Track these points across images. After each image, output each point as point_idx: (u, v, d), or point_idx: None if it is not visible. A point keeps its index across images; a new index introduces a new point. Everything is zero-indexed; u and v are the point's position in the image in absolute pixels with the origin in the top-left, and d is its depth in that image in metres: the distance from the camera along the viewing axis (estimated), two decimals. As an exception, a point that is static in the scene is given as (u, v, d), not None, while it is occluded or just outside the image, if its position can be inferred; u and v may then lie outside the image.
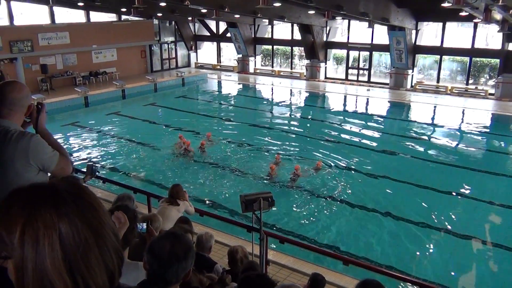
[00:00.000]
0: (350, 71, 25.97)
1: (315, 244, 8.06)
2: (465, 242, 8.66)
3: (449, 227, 9.20)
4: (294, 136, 15.99)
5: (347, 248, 8.36)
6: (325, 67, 26.37)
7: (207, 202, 10.38)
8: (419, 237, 8.85)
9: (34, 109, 2.59)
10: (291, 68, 28.47)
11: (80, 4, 22.32)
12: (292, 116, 19.96)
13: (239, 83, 26.65)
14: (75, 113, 18.99)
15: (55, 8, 24.08)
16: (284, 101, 22.85)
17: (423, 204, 10.23)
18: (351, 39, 25.31)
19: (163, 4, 19.76)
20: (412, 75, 23.45)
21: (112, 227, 1.04)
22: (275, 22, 26.21)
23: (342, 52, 26.34)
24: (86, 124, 17.39)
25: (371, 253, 8.20)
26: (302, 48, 26.86)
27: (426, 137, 15.88)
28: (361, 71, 25.64)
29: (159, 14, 26.30)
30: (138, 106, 20.91)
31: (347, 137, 15.73)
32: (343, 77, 26.11)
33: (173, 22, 30.01)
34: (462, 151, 14.49)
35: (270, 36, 28.77)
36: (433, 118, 19.33)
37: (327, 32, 25.83)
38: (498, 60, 21.14)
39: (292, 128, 17.41)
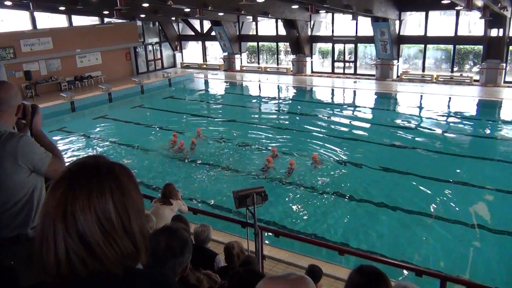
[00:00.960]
0: (336, 64, 26.08)
1: (310, 237, 8.07)
2: (456, 227, 8.75)
3: (440, 213, 9.29)
4: (283, 131, 16.00)
5: (341, 239, 8.40)
6: (311, 61, 26.43)
7: (200, 200, 10.35)
8: (411, 225, 8.93)
9: (29, 110, 2.56)
10: (278, 64, 28.48)
11: (62, 8, 22.05)
12: (281, 112, 19.98)
13: (226, 81, 26.61)
14: (61, 118, 18.78)
15: (37, 14, 23.80)
16: (272, 97, 22.87)
17: (413, 191, 10.32)
18: (335, 32, 25.40)
19: (146, 4, 19.63)
20: (398, 65, 23.61)
21: (139, 208, 1.17)
22: (259, 18, 26.19)
23: (328, 46, 26.42)
24: (74, 129, 17.21)
25: (365, 243, 8.25)
26: (288, 44, 26.89)
27: (413, 126, 16.00)
28: (347, 64, 25.75)
29: (142, 16, 26.11)
30: (126, 109, 20.76)
31: (336, 129, 15.80)
32: (330, 70, 26.21)
33: (157, 23, 29.83)
34: (450, 138, 14.62)
35: (255, 33, 28.76)
36: (420, 107, 19.49)
37: (312, 26, 25.88)
38: (481, 47, 21.37)
39: (282, 123, 17.43)
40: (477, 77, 21.55)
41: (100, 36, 25.38)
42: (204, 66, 30.74)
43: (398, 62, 23.53)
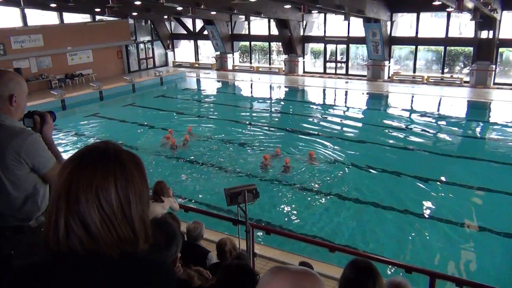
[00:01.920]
0: (328, 64, 26.17)
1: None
2: (446, 226, 8.83)
3: (428, 212, 9.38)
4: (275, 130, 16.02)
5: (334, 238, 8.43)
6: (303, 61, 26.49)
7: (191, 198, 10.33)
8: (403, 225, 8.99)
9: (38, 120, 2.55)
10: (270, 64, 28.49)
11: (53, 5, 21.88)
12: (273, 111, 20.00)
13: (218, 81, 26.57)
14: (52, 116, 18.60)
15: (27, 11, 23.58)
16: (264, 97, 22.88)
17: (403, 190, 10.41)
18: (327, 33, 25.48)
19: (138, 2, 19.54)
20: (389, 66, 23.76)
21: (142, 196, 1.20)
22: (251, 18, 26.19)
23: (320, 46, 26.49)
24: (64, 128, 17.07)
25: (356, 242, 8.30)
26: (280, 43, 26.92)
27: (404, 126, 16.11)
28: (339, 64, 25.84)
29: (134, 14, 25.99)
30: (117, 107, 20.65)
31: (328, 129, 15.85)
32: (321, 70, 26.29)
33: (149, 21, 29.69)
34: (440, 138, 14.75)
35: (247, 32, 28.75)
36: (411, 107, 19.62)
37: (304, 26, 25.94)
38: (471, 48, 21.56)
39: (273, 122, 17.45)
40: (467, 79, 21.76)
41: (92, 34, 25.19)
42: (196, 65, 30.66)
43: (389, 63, 23.67)
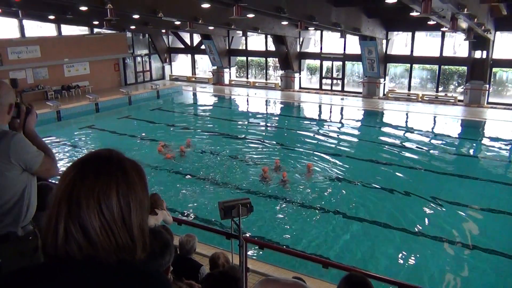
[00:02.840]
0: (324, 80, 26.37)
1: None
2: (438, 244, 8.82)
3: (421, 229, 9.37)
4: (271, 145, 16.04)
5: (327, 254, 8.39)
6: (299, 77, 26.68)
7: (185, 212, 10.27)
8: (396, 242, 8.97)
9: (23, 111, 2.56)
10: (266, 79, 28.69)
11: (51, 17, 21.98)
12: (268, 126, 20.05)
13: (214, 95, 26.66)
14: (46, 127, 18.52)
15: (25, 22, 23.68)
16: (260, 112, 22.96)
17: (396, 207, 10.42)
18: (324, 50, 25.75)
19: (136, 16, 19.66)
20: (384, 83, 23.97)
21: (142, 204, 1.20)
22: (249, 33, 26.41)
23: (316, 62, 26.74)
24: (59, 139, 17.03)
25: (349, 258, 8.26)
26: (277, 59, 27.14)
27: (398, 143, 16.18)
28: (334, 81, 26.05)
29: (133, 27, 26.16)
30: (113, 120, 20.62)
31: (323, 145, 15.89)
32: (317, 86, 26.48)
33: (147, 35, 29.89)
34: (434, 156, 14.81)
35: (244, 47, 28.99)
36: (405, 125, 19.75)
37: (301, 42, 26.20)
38: (465, 68, 21.84)
39: (269, 137, 17.46)
40: (461, 97, 21.99)
41: (89, 46, 25.31)
42: (193, 79, 30.80)
43: (384, 80, 23.89)
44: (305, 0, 15.22)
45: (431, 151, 15.27)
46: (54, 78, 24.02)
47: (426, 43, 24.12)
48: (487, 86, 21.00)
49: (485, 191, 11.61)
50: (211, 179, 12.43)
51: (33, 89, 22.96)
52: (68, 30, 26.04)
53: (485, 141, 17.02)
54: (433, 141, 16.60)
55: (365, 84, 24.04)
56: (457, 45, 23.75)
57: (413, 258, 8.37)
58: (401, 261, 8.30)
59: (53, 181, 3.81)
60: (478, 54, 20.73)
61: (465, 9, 11.65)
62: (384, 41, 23.08)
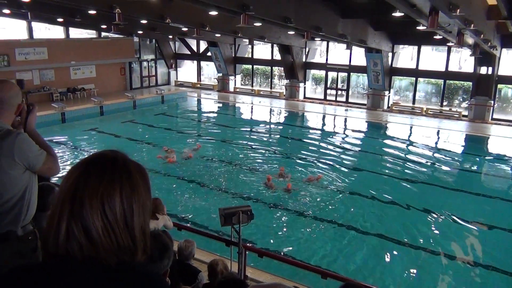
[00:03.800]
0: (328, 91, 26.41)
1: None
2: (438, 258, 8.76)
3: (423, 243, 9.31)
4: (274, 153, 16.03)
5: (326, 265, 8.34)
6: (304, 87, 26.73)
7: (185, 217, 10.25)
8: (396, 255, 8.92)
9: (24, 109, 2.59)
10: (271, 88, 28.75)
11: (60, 20, 22.18)
12: (272, 135, 20.05)
13: (219, 102, 26.73)
14: (51, 129, 18.60)
15: (34, 24, 23.90)
16: (264, 120, 22.98)
17: (398, 220, 10.37)
18: (329, 60, 25.83)
19: (144, 21, 19.81)
20: (389, 96, 23.98)
21: (145, 207, 1.21)
22: (255, 42, 26.54)
23: (321, 73, 26.80)
24: (63, 141, 17.09)
25: (348, 270, 8.21)
26: (282, 68, 27.23)
27: (402, 156, 16.13)
28: (339, 92, 26.08)
29: (140, 32, 26.33)
30: (117, 123, 20.68)
31: (326, 155, 15.86)
32: (322, 97, 26.52)
33: (154, 40, 30.07)
34: (437, 170, 14.76)
35: (250, 55, 29.11)
36: (409, 138, 19.71)
37: (306, 53, 26.29)
38: (470, 83, 21.83)
39: (272, 146, 17.45)
40: (465, 113, 21.95)
41: (96, 49, 25.49)
42: (198, 85, 30.90)
43: (389, 93, 23.90)
44: (312, 10, 15.28)
45: (434, 165, 15.21)
46: (60, 80, 24.16)
47: (432, 57, 24.18)
48: (492, 102, 20.98)
49: (486, 207, 11.54)
50: (213, 186, 12.42)
51: (39, 90, 23.08)
52: (76, 33, 26.25)
53: (489, 157, 16.94)
54: (436, 155, 16.55)
55: (370, 96, 24.05)
56: (462, 60, 23.80)
57: (416, 272, 8.31)
58: (400, 274, 8.24)
59: (55, 182, 3.82)
60: (483, 70, 20.74)
61: (472, 25, 11.68)
62: (390, 54, 23.13)
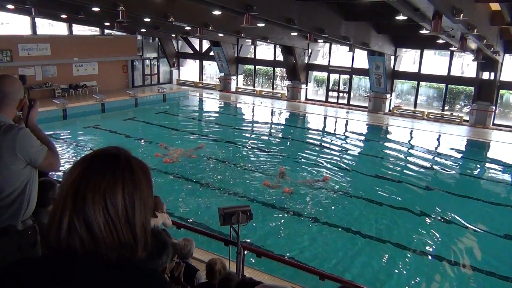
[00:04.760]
0: (330, 93, 26.41)
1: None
2: (437, 263, 8.76)
3: (423, 248, 9.31)
4: (274, 153, 16.03)
5: (324, 267, 8.34)
6: (306, 89, 26.73)
7: (184, 216, 10.25)
8: (395, 258, 8.92)
9: (26, 104, 2.60)
10: (273, 89, 28.76)
11: (64, 16, 22.19)
12: (273, 135, 20.05)
13: (220, 101, 26.74)
14: (52, 125, 18.62)
15: (37, 20, 23.91)
16: (265, 121, 22.98)
17: (396, 224, 10.37)
18: (332, 62, 25.83)
19: (147, 19, 19.82)
20: (390, 99, 23.97)
21: (147, 203, 1.22)
22: (258, 42, 26.56)
23: (323, 75, 26.81)
24: (63, 137, 17.13)
25: (346, 272, 8.21)
26: (284, 69, 27.23)
27: (402, 160, 16.12)
28: (341, 94, 26.08)
29: (143, 30, 26.35)
30: (118, 120, 20.70)
31: (326, 157, 15.86)
32: (323, 99, 26.51)
33: (157, 39, 30.09)
34: (437, 175, 14.75)
35: (252, 56, 29.11)
36: (410, 142, 19.70)
37: (309, 54, 26.29)
38: (472, 88, 21.82)
39: (273, 146, 17.45)
40: (467, 117, 21.95)
41: (99, 47, 25.51)
42: (200, 84, 30.92)
43: (391, 96, 23.90)
44: (316, 12, 15.29)
45: (434, 169, 15.21)
46: (63, 77, 24.18)
47: (434, 62, 24.16)
48: (494, 107, 20.97)
49: (485, 212, 11.53)
50: (213, 185, 12.42)
51: (41, 86, 23.11)
52: (79, 30, 26.28)
53: (489, 162, 16.93)
54: (436, 159, 16.53)
55: (371, 99, 24.05)
56: (465, 65, 23.78)
57: (415, 275, 8.31)
58: (396, 276, 8.24)
59: (56, 178, 3.83)
60: (486, 75, 20.73)
61: (475, 30, 11.68)
62: (392, 57, 23.12)
